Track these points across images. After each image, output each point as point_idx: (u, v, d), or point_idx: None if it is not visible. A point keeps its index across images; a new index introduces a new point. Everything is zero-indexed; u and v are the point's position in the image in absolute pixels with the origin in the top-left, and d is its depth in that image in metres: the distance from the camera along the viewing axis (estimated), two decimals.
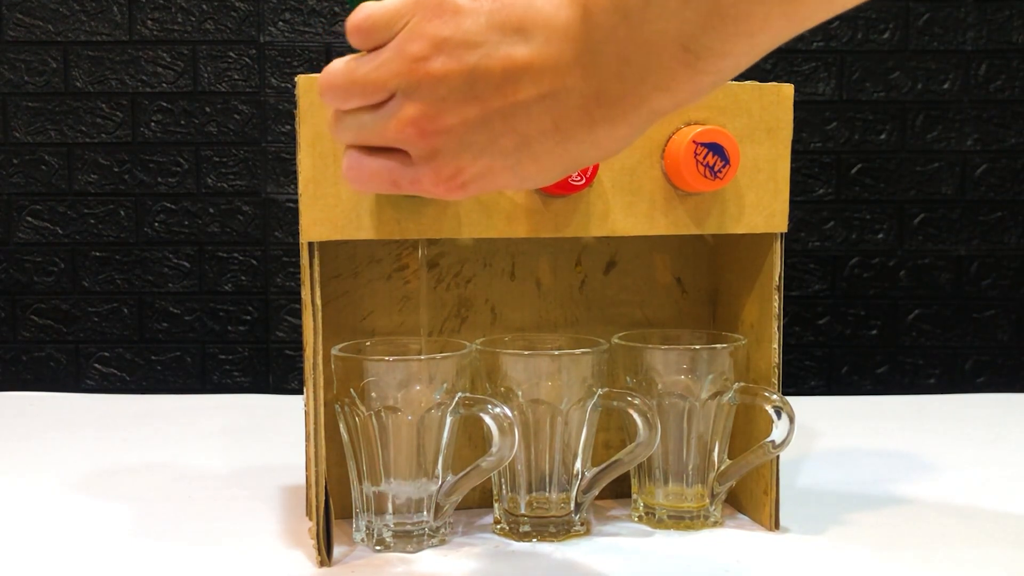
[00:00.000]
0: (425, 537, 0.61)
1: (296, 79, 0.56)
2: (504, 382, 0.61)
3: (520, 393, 0.60)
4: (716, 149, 0.59)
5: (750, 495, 0.67)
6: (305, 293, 0.58)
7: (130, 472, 0.77)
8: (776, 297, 0.63)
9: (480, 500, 0.68)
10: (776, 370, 0.64)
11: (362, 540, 0.61)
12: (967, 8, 1.13)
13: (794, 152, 0.65)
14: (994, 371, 1.17)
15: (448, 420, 0.59)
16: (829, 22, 1.12)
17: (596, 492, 0.63)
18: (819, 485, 0.74)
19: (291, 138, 1.12)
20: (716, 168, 0.59)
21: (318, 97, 0.56)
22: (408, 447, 0.59)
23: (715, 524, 0.65)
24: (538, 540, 0.62)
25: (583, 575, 0.57)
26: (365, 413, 0.58)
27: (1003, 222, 1.15)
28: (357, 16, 0.43)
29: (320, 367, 0.58)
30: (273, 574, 0.57)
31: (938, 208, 1.15)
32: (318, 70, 1.14)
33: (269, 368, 1.14)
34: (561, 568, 0.58)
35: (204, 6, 1.11)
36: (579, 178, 0.58)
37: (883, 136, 1.14)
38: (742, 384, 0.64)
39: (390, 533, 0.60)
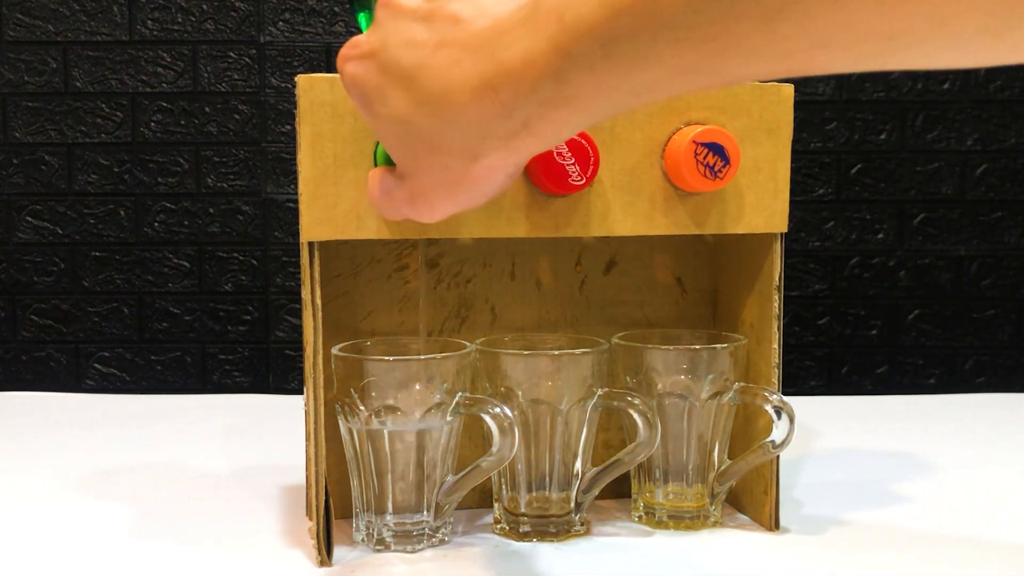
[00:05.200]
0: (425, 537, 0.61)
1: (296, 79, 0.56)
2: (504, 382, 0.61)
3: (520, 393, 0.60)
4: (716, 149, 0.59)
5: (750, 495, 0.67)
6: (305, 293, 0.58)
7: (130, 472, 0.77)
8: (776, 297, 0.63)
9: (480, 500, 0.68)
10: (776, 370, 0.64)
11: (362, 540, 0.61)
12: None
13: (794, 152, 0.65)
14: (994, 371, 1.17)
15: (448, 420, 0.59)
16: None
17: (596, 492, 0.63)
18: (819, 485, 0.74)
19: (291, 138, 1.12)
20: (716, 168, 0.59)
21: (318, 97, 0.56)
22: (408, 447, 0.59)
23: (715, 524, 0.65)
24: (538, 540, 0.62)
25: (583, 575, 0.57)
26: (365, 413, 0.58)
27: (1003, 222, 1.15)
28: None
29: (320, 367, 0.58)
30: (273, 574, 0.57)
31: (938, 208, 1.15)
32: (318, 70, 1.14)
33: (269, 368, 1.14)
34: (561, 568, 0.58)
35: (204, 6, 1.11)
36: (579, 178, 0.58)
37: (883, 136, 1.15)
38: (742, 384, 0.64)
39: (390, 533, 0.60)
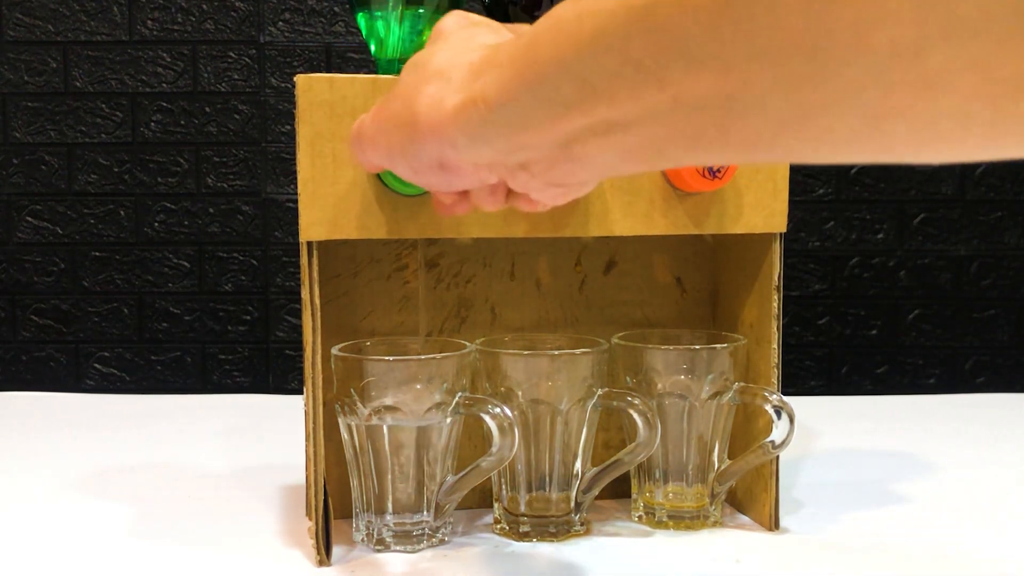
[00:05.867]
0: (425, 537, 0.61)
1: (296, 79, 0.56)
2: (504, 382, 0.61)
3: (520, 393, 0.60)
4: None
5: (750, 495, 0.67)
6: (305, 293, 0.58)
7: (130, 472, 0.77)
8: (776, 297, 0.63)
9: (480, 500, 0.68)
10: (776, 370, 0.64)
11: (362, 540, 0.61)
12: None
13: None
14: (994, 371, 1.17)
15: (448, 420, 0.60)
16: None
17: (596, 492, 0.63)
18: (819, 485, 0.74)
19: (291, 138, 1.12)
20: (715, 168, 0.59)
21: (317, 97, 0.56)
22: (408, 447, 0.59)
23: (715, 524, 0.65)
24: (538, 540, 0.62)
25: (583, 575, 0.57)
26: (365, 413, 0.58)
27: (1003, 222, 1.15)
28: None
29: (320, 367, 0.58)
30: (273, 574, 0.57)
31: (938, 208, 1.15)
32: (318, 70, 1.14)
33: (269, 368, 1.14)
34: (561, 568, 0.58)
35: (204, 6, 1.11)
36: None
37: None
38: (742, 384, 0.64)
39: (390, 533, 0.60)
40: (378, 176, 0.57)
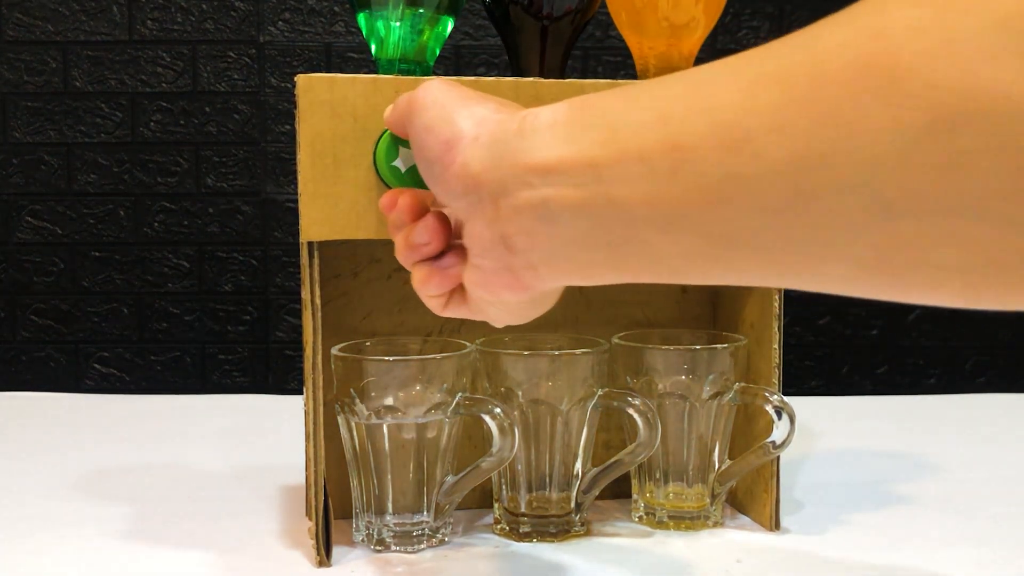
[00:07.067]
0: (425, 537, 0.61)
1: (296, 79, 0.56)
2: (504, 382, 0.61)
3: (520, 393, 0.60)
4: None
5: (750, 495, 0.67)
6: (305, 293, 0.58)
7: (130, 472, 0.77)
8: (776, 297, 0.63)
9: (480, 500, 0.68)
10: (777, 370, 0.64)
11: (362, 540, 0.61)
12: None
13: None
14: (994, 371, 1.17)
15: (448, 420, 0.59)
16: None
17: (596, 492, 0.63)
18: (819, 485, 0.74)
19: (291, 138, 1.12)
20: None
21: (317, 97, 0.56)
22: (408, 447, 0.59)
23: (715, 524, 0.65)
24: (538, 540, 0.62)
25: (583, 575, 0.57)
26: (365, 413, 0.58)
27: None
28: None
29: (320, 367, 0.58)
30: (273, 574, 0.57)
31: None
32: (318, 70, 1.14)
33: (269, 368, 1.14)
34: (561, 568, 0.58)
35: (204, 6, 1.11)
36: None
37: None
38: (743, 384, 0.64)
39: (390, 533, 0.60)
40: (378, 176, 0.57)
